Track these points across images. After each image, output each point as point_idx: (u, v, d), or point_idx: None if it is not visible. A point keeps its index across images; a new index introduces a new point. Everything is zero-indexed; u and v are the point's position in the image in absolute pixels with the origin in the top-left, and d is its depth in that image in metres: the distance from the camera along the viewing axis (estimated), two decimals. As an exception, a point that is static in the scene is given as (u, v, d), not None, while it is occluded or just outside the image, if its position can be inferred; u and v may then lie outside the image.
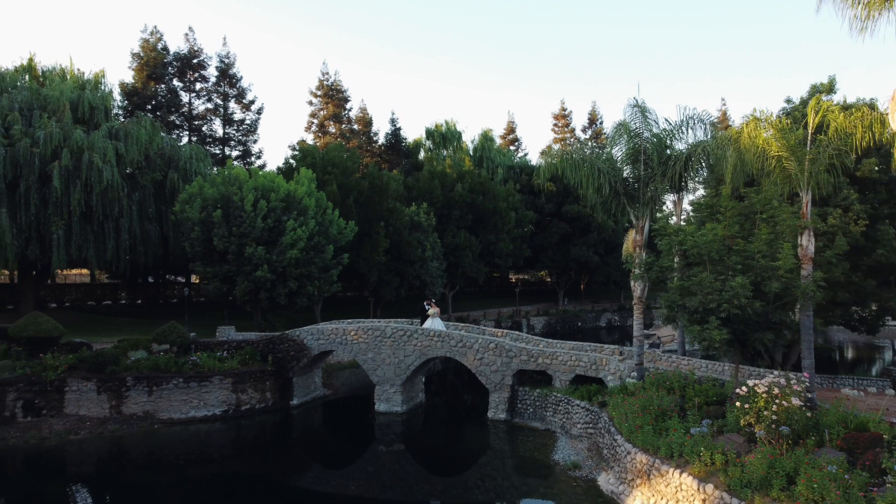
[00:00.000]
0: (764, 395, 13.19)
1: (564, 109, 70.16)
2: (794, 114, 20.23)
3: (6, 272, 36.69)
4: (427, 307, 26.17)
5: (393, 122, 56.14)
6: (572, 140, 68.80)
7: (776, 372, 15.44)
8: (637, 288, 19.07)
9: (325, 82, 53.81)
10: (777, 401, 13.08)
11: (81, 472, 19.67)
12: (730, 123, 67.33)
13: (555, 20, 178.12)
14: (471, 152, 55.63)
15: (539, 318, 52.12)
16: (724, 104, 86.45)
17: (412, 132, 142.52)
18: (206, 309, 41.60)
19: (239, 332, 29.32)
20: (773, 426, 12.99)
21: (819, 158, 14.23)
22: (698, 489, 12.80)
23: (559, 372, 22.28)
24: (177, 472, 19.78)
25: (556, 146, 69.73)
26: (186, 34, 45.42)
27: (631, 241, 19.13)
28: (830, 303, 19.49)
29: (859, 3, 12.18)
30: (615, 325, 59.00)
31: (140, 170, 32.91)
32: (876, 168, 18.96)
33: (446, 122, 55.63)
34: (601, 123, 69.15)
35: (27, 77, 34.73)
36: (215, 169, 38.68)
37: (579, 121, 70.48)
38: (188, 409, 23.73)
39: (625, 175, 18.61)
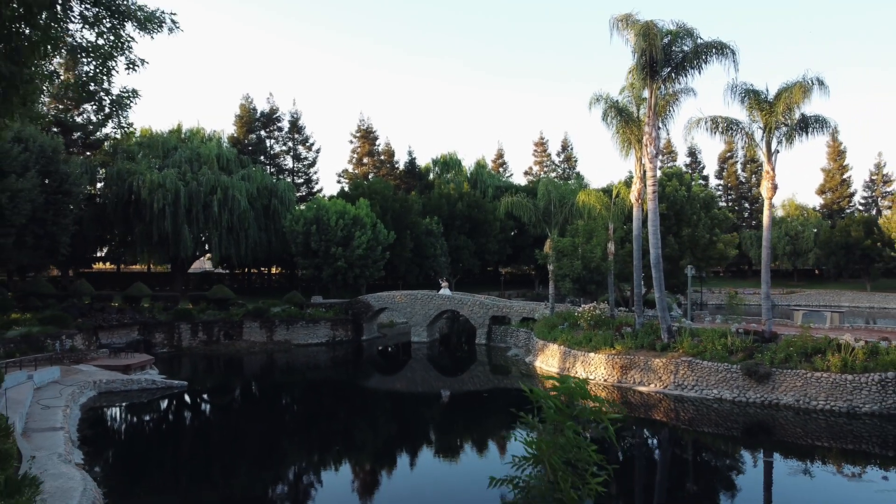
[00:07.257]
0: (586, 311, 31.58)
1: (542, 138, 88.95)
2: (630, 180, 38.57)
3: (168, 266, 55.31)
4: (441, 282, 44.65)
5: (409, 153, 75.08)
6: (549, 163, 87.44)
7: (596, 303, 33.77)
8: (550, 270, 37.55)
9: (361, 126, 72.86)
10: (591, 312, 31.46)
11: (252, 371, 35.72)
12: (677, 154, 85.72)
13: (555, 19, 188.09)
14: (468, 175, 74.05)
15: (518, 300, 70.42)
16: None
17: (415, 134, 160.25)
18: (291, 288, 59.90)
19: (325, 300, 47.72)
20: (590, 322, 31.34)
21: (615, 211, 32.71)
22: (558, 348, 31.07)
23: (514, 316, 40.71)
24: (301, 374, 34.92)
25: (536, 167, 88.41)
26: (268, 98, 65.68)
27: (548, 245, 37.44)
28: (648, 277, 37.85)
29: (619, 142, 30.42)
30: (577, 303, 77.62)
31: (254, 198, 51.34)
32: (665, 209, 37.29)
33: (449, 154, 74.42)
34: (572, 149, 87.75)
35: (177, 137, 53.32)
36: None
37: (554, 147, 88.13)
38: (307, 339, 42.06)
39: (543, 211, 37.03)
